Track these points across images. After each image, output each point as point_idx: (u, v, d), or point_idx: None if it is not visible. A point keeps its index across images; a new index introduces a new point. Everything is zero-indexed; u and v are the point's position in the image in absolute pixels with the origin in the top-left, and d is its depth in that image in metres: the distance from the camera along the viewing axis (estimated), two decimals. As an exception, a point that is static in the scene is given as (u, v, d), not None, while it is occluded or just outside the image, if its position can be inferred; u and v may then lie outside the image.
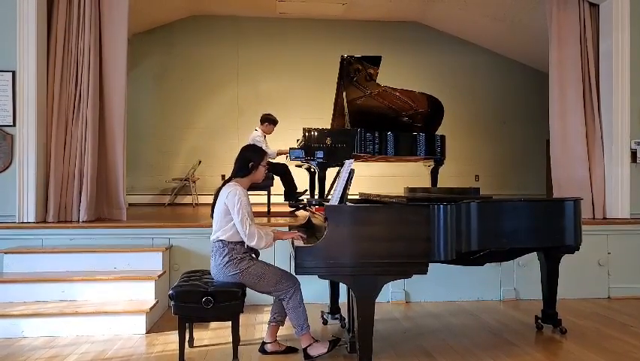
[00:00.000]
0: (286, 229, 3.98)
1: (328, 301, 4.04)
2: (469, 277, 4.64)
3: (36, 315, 3.66)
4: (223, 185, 3.22)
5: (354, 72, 5.66)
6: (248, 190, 3.25)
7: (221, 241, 3.13)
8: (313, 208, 3.76)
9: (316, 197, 5.72)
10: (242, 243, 3.14)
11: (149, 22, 8.73)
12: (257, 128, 6.25)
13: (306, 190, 6.38)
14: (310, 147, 5.45)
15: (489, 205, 3.24)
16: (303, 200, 6.08)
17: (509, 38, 8.97)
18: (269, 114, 6.31)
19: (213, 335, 3.70)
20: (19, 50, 4.65)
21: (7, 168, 4.68)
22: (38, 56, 4.69)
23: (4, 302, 3.85)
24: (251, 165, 3.22)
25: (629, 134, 5.23)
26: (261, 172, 3.28)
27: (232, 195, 3.08)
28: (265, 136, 6.21)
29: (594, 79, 5.39)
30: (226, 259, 3.11)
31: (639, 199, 5.21)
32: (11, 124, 4.68)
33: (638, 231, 5.02)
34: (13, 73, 4.67)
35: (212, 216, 3.23)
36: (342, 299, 3.95)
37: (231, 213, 3.07)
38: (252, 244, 3.07)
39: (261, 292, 3.21)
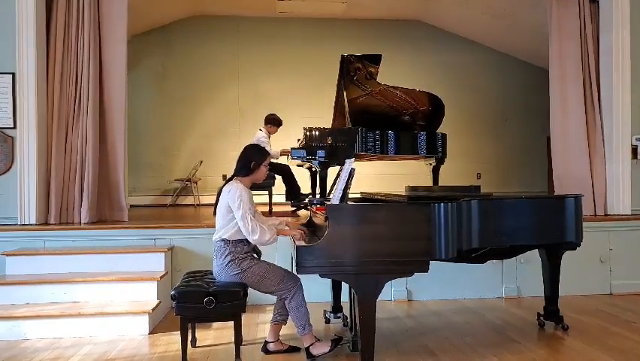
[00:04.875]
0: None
1: (330, 300, 4.04)
2: (470, 275, 4.65)
3: (38, 317, 3.66)
4: (225, 184, 3.22)
5: (355, 71, 5.65)
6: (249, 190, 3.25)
7: (223, 240, 3.13)
8: (314, 208, 3.75)
9: (317, 196, 5.71)
10: (244, 242, 3.15)
11: (148, 23, 8.72)
12: (261, 129, 6.26)
13: (310, 194, 6.39)
14: (311, 146, 5.44)
15: (490, 203, 3.25)
16: (304, 200, 6.08)
17: (510, 35, 8.96)
18: (273, 115, 6.30)
19: (216, 335, 3.70)
20: (18, 52, 4.66)
21: (8, 170, 4.69)
22: (38, 58, 4.70)
23: (6, 304, 3.86)
24: (252, 164, 3.22)
25: (629, 130, 5.23)
26: (262, 172, 3.28)
27: (233, 192, 3.09)
28: (270, 136, 6.22)
29: (594, 75, 5.38)
30: (228, 258, 3.12)
31: (640, 195, 5.21)
32: (12, 126, 4.69)
33: (639, 227, 5.02)
34: (13, 75, 4.68)
35: (215, 215, 3.23)
36: (345, 298, 3.95)
37: (232, 209, 3.08)
38: (255, 238, 3.05)
39: (263, 291, 3.21)
